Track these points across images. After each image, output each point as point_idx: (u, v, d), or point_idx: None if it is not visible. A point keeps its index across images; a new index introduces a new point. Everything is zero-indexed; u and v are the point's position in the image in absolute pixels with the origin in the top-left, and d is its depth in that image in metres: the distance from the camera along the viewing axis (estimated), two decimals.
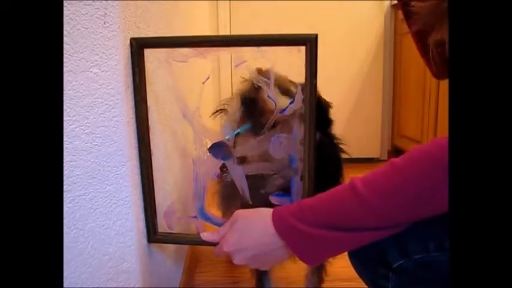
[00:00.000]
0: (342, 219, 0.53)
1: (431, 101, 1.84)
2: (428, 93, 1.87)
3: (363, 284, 0.64)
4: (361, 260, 0.59)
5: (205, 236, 0.65)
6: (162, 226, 0.68)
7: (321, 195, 0.56)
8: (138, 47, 0.59)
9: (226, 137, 0.67)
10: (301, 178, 0.65)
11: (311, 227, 0.54)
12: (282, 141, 0.65)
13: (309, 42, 0.58)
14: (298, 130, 0.64)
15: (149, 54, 0.62)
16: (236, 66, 0.65)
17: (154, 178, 0.65)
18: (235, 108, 0.75)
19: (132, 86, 0.59)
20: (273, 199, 0.67)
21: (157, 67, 0.68)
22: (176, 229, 0.70)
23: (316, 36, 0.58)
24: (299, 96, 0.63)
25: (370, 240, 0.54)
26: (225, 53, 0.65)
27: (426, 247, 0.53)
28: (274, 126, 0.68)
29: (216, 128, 0.73)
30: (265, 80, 0.66)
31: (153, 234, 0.66)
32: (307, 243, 0.54)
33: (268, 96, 0.67)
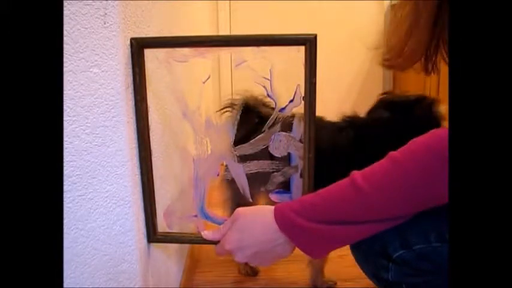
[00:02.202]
0: (343, 213, 0.53)
1: None
2: (428, 93, 1.87)
3: (363, 284, 0.64)
4: (362, 252, 0.59)
5: (206, 234, 0.65)
6: (162, 226, 0.68)
7: (321, 191, 0.57)
8: (139, 47, 0.59)
9: None
10: (301, 175, 0.66)
11: (313, 222, 0.54)
12: (282, 139, 0.66)
13: (309, 42, 0.58)
14: (298, 128, 0.65)
15: (149, 54, 0.62)
16: (236, 66, 0.65)
17: (154, 178, 0.65)
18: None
19: (132, 86, 0.59)
20: (273, 196, 0.68)
21: (157, 67, 0.68)
22: (176, 229, 0.70)
23: (315, 37, 0.58)
24: (298, 95, 0.64)
25: (372, 233, 0.54)
26: (225, 53, 0.66)
27: (427, 238, 0.54)
28: (274, 124, 0.69)
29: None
30: (266, 79, 0.67)
31: (153, 234, 0.66)
32: (310, 238, 0.55)
33: (269, 95, 0.67)
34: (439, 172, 0.47)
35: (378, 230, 0.54)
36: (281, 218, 0.56)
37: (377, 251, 0.57)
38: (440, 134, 0.49)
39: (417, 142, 0.51)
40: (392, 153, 0.52)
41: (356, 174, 0.53)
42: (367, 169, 0.53)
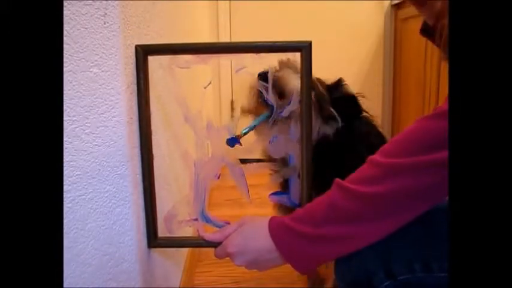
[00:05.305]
0: (331, 217, 0.54)
1: (431, 101, 1.84)
2: (429, 93, 1.87)
3: None
4: (348, 283, 0.59)
5: (207, 236, 0.65)
6: (163, 230, 0.68)
7: (310, 203, 0.58)
8: (143, 53, 0.60)
9: (243, 132, 0.69)
10: (299, 176, 0.66)
11: (302, 229, 0.55)
12: (281, 141, 0.67)
13: (304, 49, 0.60)
14: (295, 130, 0.66)
15: (153, 60, 0.64)
16: (236, 71, 0.67)
17: (155, 180, 0.65)
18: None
19: (132, 86, 0.59)
20: (272, 197, 0.68)
21: (160, 73, 0.69)
22: (176, 233, 0.70)
23: (310, 43, 0.60)
24: (295, 98, 0.65)
25: (353, 248, 0.55)
26: (226, 59, 0.67)
27: (411, 268, 0.53)
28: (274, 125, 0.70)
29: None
30: (264, 84, 0.68)
31: (153, 239, 0.66)
32: (296, 247, 0.56)
33: (267, 100, 0.68)
34: (425, 160, 0.48)
35: (361, 240, 0.54)
36: (271, 227, 0.58)
37: (362, 283, 0.57)
38: (426, 125, 0.49)
39: (400, 135, 0.52)
40: (371, 157, 0.53)
41: (338, 179, 0.55)
42: (352, 175, 0.55)
